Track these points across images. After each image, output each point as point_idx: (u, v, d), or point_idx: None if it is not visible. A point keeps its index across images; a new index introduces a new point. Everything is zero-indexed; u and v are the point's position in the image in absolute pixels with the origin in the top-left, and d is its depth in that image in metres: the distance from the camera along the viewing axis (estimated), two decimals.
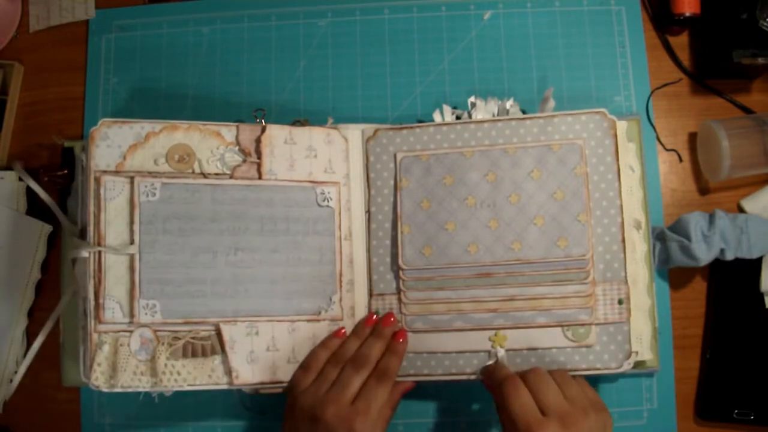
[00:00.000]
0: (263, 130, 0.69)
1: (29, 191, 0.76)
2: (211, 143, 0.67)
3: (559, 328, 0.66)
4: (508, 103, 0.73)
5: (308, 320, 0.68)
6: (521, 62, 0.78)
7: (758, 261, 0.71)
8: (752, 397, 0.71)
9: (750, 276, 0.72)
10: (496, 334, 0.67)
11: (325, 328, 0.68)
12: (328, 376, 0.64)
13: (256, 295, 0.67)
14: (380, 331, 0.67)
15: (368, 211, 0.71)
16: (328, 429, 0.60)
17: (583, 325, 0.66)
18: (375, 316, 0.69)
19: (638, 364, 0.68)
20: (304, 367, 0.66)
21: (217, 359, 0.65)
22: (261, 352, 0.66)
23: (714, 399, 0.72)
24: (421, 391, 0.73)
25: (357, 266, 0.70)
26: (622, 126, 0.69)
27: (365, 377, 0.64)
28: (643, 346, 0.68)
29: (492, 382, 0.63)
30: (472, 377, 0.67)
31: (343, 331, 0.68)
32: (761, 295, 0.72)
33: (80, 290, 0.66)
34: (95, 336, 0.63)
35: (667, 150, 0.76)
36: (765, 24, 0.70)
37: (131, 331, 0.63)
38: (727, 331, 0.73)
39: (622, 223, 0.67)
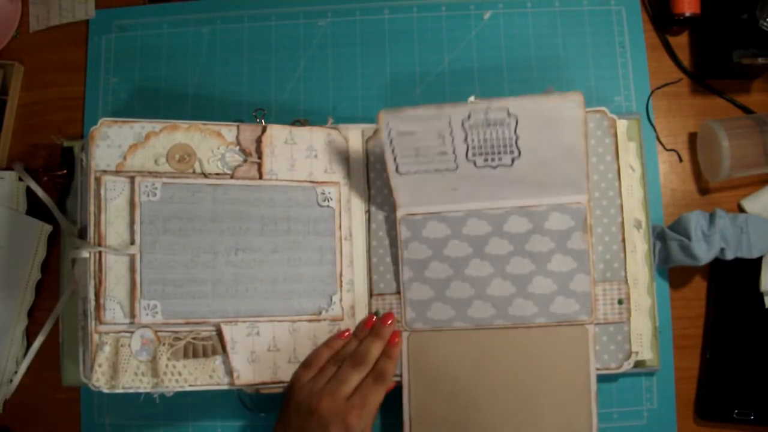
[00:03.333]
0: (264, 130, 0.69)
1: (29, 191, 0.76)
2: (212, 143, 0.67)
3: None
4: None
5: (309, 320, 0.68)
6: (521, 62, 0.78)
7: (758, 261, 0.71)
8: (752, 397, 0.71)
9: (750, 276, 0.72)
10: None
11: (325, 328, 0.68)
12: (327, 373, 0.65)
13: (257, 295, 0.67)
14: (379, 330, 0.67)
15: (368, 211, 0.71)
16: (322, 421, 0.61)
17: None
18: (375, 318, 0.69)
19: (638, 364, 0.68)
20: (306, 364, 0.67)
21: (219, 359, 0.65)
22: (262, 352, 0.66)
23: (714, 399, 0.72)
24: None
25: (357, 266, 0.70)
26: (622, 125, 0.69)
27: (363, 375, 0.64)
28: (644, 346, 0.68)
29: None
30: None
31: (347, 333, 0.68)
32: (761, 295, 0.72)
33: (80, 290, 0.66)
34: (96, 337, 0.63)
35: (667, 150, 0.76)
36: (765, 24, 0.70)
37: (132, 332, 0.63)
38: (727, 331, 0.73)
39: (622, 222, 0.67)
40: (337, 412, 0.61)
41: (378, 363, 0.66)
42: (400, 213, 0.69)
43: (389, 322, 0.68)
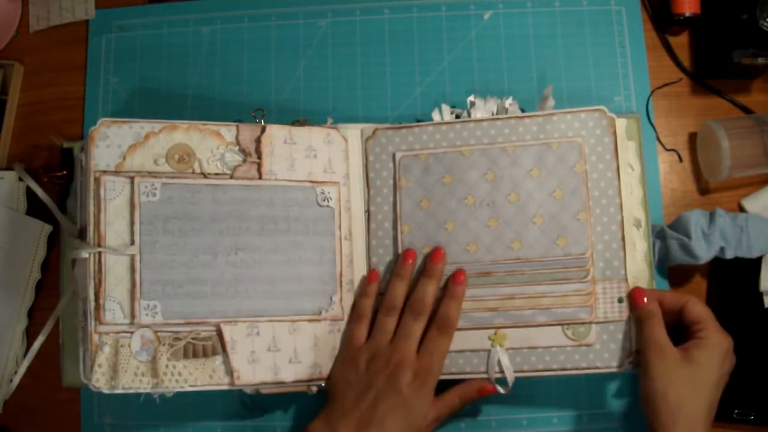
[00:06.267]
0: (263, 130, 0.69)
1: (29, 191, 0.76)
2: (211, 143, 0.67)
3: (559, 327, 0.66)
4: (507, 102, 0.73)
5: (309, 320, 0.68)
6: (521, 62, 0.78)
7: (758, 260, 0.71)
8: (752, 397, 0.71)
9: (749, 275, 0.72)
10: (495, 333, 0.67)
11: (325, 328, 0.68)
12: (385, 327, 0.64)
13: (257, 295, 0.67)
14: (431, 270, 0.65)
15: (368, 211, 0.71)
16: (395, 384, 0.61)
17: (583, 323, 0.66)
18: (409, 252, 0.67)
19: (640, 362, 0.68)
20: (355, 319, 0.67)
21: (218, 360, 0.65)
22: (262, 352, 0.66)
23: None
24: None
25: (357, 266, 0.70)
26: (621, 124, 0.69)
27: (424, 324, 0.64)
28: None
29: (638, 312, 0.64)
30: (472, 376, 0.67)
31: (375, 274, 0.68)
32: (761, 295, 0.72)
33: (79, 291, 0.66)
34: (96, 337, 0.63)
35: (667, 150, 0.77)
36: (765, 24, 0.70)
37: (132, 332, 0.63)
38: (726, 331, 0.72)
39: (622, 221, 0.67)
40: (411, 371, 0.61)
41: (440, 308, 0.64)
42: (398, 155, 0.70)
43: (441, 254, 0.66)
